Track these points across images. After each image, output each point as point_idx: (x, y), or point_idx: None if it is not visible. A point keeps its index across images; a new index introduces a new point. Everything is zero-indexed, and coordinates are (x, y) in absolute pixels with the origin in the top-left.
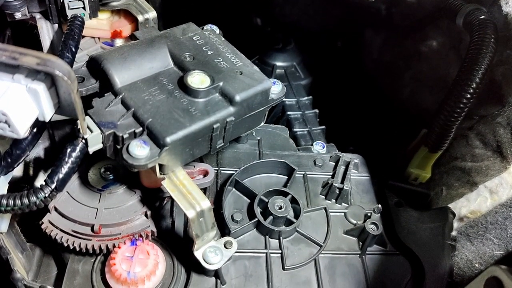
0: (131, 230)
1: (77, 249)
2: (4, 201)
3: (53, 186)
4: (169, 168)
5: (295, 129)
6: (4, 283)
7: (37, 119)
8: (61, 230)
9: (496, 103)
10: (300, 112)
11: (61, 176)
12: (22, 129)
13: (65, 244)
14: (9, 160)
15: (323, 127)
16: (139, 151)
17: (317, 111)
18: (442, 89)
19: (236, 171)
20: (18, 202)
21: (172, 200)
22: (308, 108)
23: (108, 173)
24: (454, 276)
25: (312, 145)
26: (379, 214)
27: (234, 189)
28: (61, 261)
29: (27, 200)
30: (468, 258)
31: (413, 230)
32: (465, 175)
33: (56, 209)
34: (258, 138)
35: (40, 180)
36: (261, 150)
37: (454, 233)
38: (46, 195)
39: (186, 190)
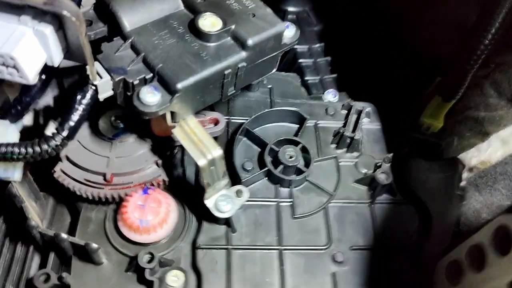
0: (142, 179)
1: (90, 198)
2: (16, 149)
3: (64, 134)
4: (180, 115)
5: (306, 77)
6: (19, 232)
7: (45, 64)
8: (73, 179)
9: None
10: (312, 60)
11: (72, 124)
12: (31, 74)
13: (78, 193)
14: (19, 107)
15: (335, 75)
16: (150, 98)
17: (329, 58)
18: (459, 35)
19: (247, 119)
20: (30, 150)
21: (183, 149)
22: (320, 55)
23: (119, 121)
24: (461, 226)
25: (323, 93)
26: (389, 164)
27: (244, 138)
28: (74, 209)
29: (38, 148)
30: (476, 208)
31: (422, 180)
32: (477, 124)
33: (67, 158)
34: (269, 86)
35: (50, 129)
36: (272, 98)
37: (463, 183)
38: (58, 143)
39: (197, 139)
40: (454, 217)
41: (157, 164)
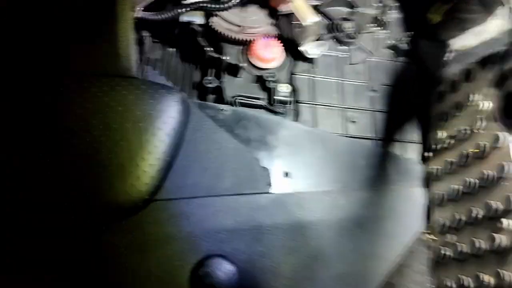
0: (264, 31)
1: (232, 39)
2: (211, 5)
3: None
4: None
5: None
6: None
7: None
8: (223, 27)
9: None
10: None
11: None
12: None
13: (225, 36)
14: None
15: None
16: None
17: None
18: None
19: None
20: (215, 5)
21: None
22: None
23: None
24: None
25: None
26: (408, 39)
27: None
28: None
29: (220, 5)
30: (454, 72)
31: (425, 51)
32: (461, 22)
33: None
34: None
35: None
36: None
37: (448, 57)
38: (233, 3)
39: (304, 9)
40: (442, 73)
41: (271, 24)
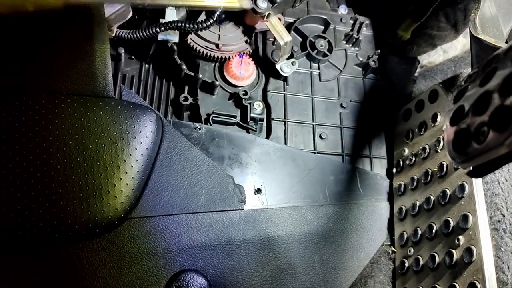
0: (239, 49)
1: (208, 56)
2: (187, 24)
3: (212, 20)
4: (271, 15)
5: None
6: (164, 73)
7: None
8: (199, 45)
9: None
10: None
11: (217, 13)
12: None
13: (201, 53)
14: None
15: None
16: (261, 4)
17: None
18: None
19: (295, 20)
20: (192, 26)
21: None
22: None
23: None
24: (413, 94)
25: (338, 7)
26: (377, 56)
27: (292, 32)
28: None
29: (197, 25)
30: (421, 89)
31: (393, 68)
32: (430, 39)
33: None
34: (306, 0)
35: (202, 16)
36: (308, 8)
37: (416, 73)
38: (210, 23)
39: (278, 29)
40: (410, 91)
41: (246, 42)
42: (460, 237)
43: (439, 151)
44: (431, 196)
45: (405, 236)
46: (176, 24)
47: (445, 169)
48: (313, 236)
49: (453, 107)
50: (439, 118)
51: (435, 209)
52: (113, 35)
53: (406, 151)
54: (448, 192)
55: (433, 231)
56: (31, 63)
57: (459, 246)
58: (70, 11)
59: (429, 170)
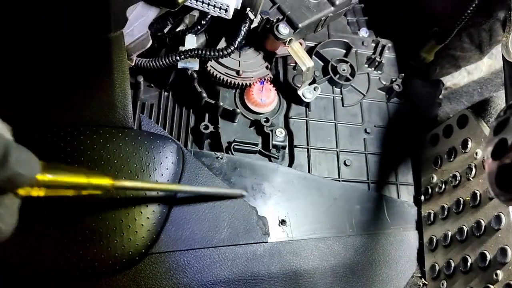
0: (259, 75)
1: (228, 83)
2: (208, 52)
3: (233, 46)
4: (293, 41)
5: (347, 18)
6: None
7: None
8: (219, 72)
9: (484, 14)
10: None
11: (238, 40)
12: (231, 13)
13: (221, 80)
14: (199, 27)
15: (366, 17)
16: (283, 29)
17: (362, 5)
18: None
19: (317, 44)
20: (212, 53)
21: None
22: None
23: None
24: (438, 118)
25: (359, 30)
26: (401, 80)
27: (314, 56)
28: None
29: (218, 53)
30: (447, 111)
31: (418, 91)
32: (454, 60)
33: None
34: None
35: (222, 43)
36: (329, 32)
37: (441, 96)
38: (230, 50)
39: (300, 54)
40: (435, 114)
41: (266, 67)
42: (499, 271)
43: (471, 179)
44: (464, 227)
45: (437, 268)
46: (196, 52)
47: (478, 198)
48: (341, 269)
49: (493, 139)
50: (469, 144)
51: (469, 240)
52: (133, 64)
53: (435, 178)
54: (483, 223)
55: (468, 264)
56: (49, 94)
57: (497, 281)
58: (90, 43)
59: (460, 199)
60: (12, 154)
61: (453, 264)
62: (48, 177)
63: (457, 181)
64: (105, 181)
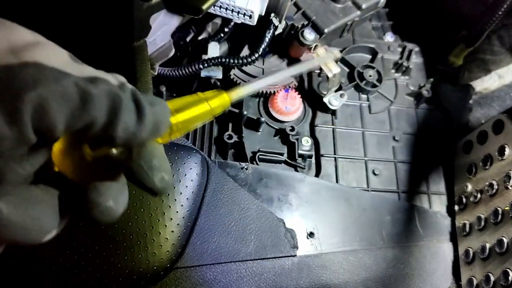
0: (284, 83)
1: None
2: (231, 60)
3: (257, 54)
4: (318, 47)
5: (372, 23)
6: None
7: None
8: (242, 80)
9: None
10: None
11: (263, 47)
12: (255, 20)
13: None
14: (222, 35)
15: (391, 22)
16: (308, 35)
17: (387, 9)
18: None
19: (342, 50)
20: (236, 61)
21: None
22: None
23: None
24: (469, 124)
25: (384, 35)
26: (430, 84)
27: (339, 62)
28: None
29: (241, 61)
30: (478, 117)
31: (447, 96)
32: (483, 64)
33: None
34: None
35: (245, 51)
36: (354, 37)
37: (471, 101)
38: (253, 58)
39: (326, 60)
40: (466, 120)
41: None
42: None
43: (510, 188)
44: (504, 238)
45: (475, 282)
46: (219, 60)
47: None
48: (372, 283)
49: None
50: (507, 151)
51: (509, 252)
52: (155, 73)
53: (469, 187)
54: None
55: (510, 278)
56: None
57: None
58: (113, 53)
59: (499, 208)
60: (143, 101)
61: (492, 278)
62: (178, 117)
63: (494, 190)
64: (224, 99)
